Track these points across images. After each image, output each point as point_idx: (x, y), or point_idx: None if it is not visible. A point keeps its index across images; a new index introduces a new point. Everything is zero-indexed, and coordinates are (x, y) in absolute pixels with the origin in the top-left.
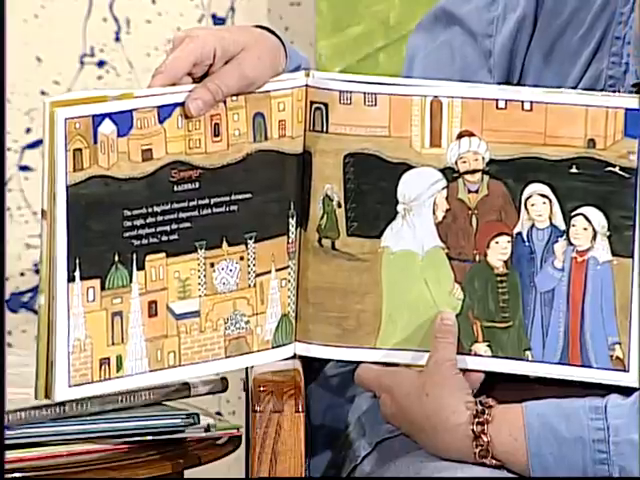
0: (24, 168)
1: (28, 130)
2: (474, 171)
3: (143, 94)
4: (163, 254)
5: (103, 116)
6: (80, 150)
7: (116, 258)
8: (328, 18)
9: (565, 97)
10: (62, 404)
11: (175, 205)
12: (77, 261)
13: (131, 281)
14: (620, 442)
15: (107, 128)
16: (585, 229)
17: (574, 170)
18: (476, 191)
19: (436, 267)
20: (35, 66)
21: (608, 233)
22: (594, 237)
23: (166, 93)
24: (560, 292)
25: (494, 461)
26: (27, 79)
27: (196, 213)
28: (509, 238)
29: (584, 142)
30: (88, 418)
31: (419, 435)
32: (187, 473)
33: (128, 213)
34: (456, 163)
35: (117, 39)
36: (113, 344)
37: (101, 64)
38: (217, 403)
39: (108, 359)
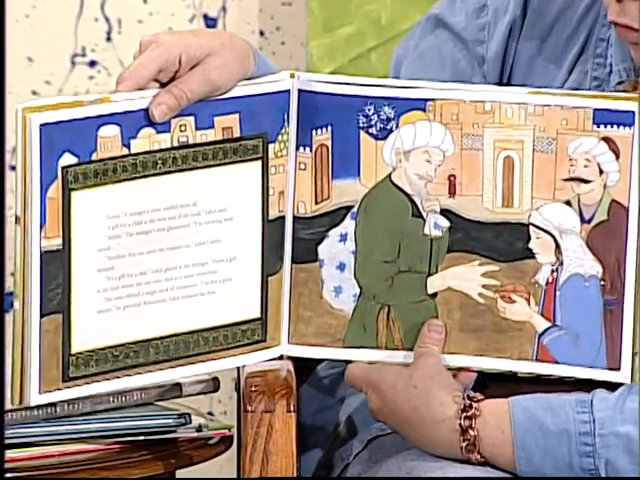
0: (15, 168)
1: None
2: None
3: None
4: None
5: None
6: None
7: None
8: (319, 18)
9: None
10: (54, 404)
11: None
12: None
13: None
14: (606, 434)
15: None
16: None
17: None
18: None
19: None
20: (26, 66)
21: None
22: None
23: (144, 97)
24: None
25: (479, 456)
26: (18, 79)
27: None
28: None
29: None
30: (80, 418)
31: (406, 429)
32: (179, 473)
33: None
34: None
35: (108, 39)
36: None
37: (92, 64)
38: (209, 403)
39: None
